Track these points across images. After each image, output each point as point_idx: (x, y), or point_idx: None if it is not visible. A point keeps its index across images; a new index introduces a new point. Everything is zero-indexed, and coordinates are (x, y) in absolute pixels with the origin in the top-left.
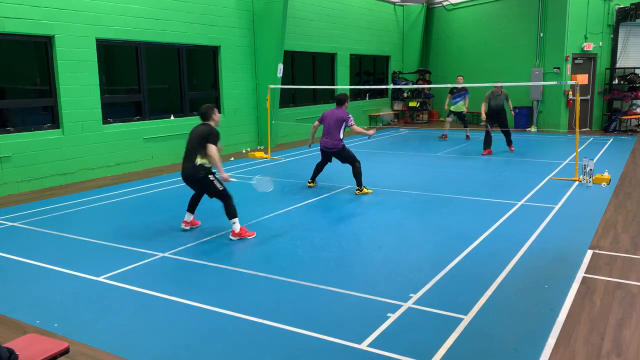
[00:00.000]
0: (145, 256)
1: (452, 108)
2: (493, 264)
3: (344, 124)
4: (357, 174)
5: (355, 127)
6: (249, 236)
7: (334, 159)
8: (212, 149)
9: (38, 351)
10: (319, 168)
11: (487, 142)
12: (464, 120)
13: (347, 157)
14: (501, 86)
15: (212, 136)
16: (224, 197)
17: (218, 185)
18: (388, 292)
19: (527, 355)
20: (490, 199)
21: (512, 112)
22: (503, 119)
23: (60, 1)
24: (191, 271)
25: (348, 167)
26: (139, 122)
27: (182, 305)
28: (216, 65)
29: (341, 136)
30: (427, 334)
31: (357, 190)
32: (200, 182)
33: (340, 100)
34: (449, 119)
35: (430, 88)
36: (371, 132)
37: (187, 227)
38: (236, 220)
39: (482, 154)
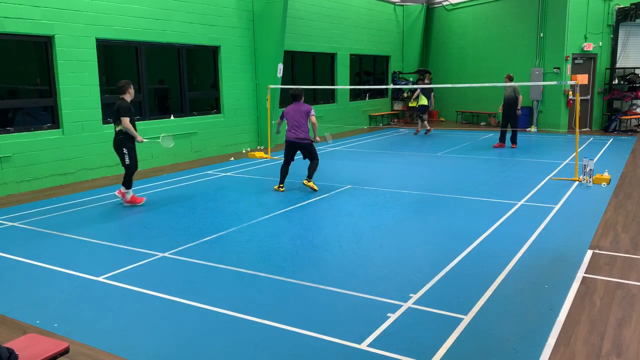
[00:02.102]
0: (145, 256)
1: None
2: (493, 264)
3: (308, 116)
4: (314, 169)
5: (314, 119)
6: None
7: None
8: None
9: (38, 351)
10: (285, 169)
11: (501, 136)
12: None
13: (312, 152)
14: (508, 77)
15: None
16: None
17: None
18: (388, 292)
19: (527, 355)
20: (490, 199)
21: (518, 111)
22: (506, 114)
23: (60, 1)
24: (191, 271)
25: (348, 167)
26: (139, 122)
27: (182, 305)
28: (216, 65)
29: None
30: (427, 334)
31: (306, 180)
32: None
33: (298, 96)
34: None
35: (430, 88)
36: (318, 139)
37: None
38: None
39: (494, 146)
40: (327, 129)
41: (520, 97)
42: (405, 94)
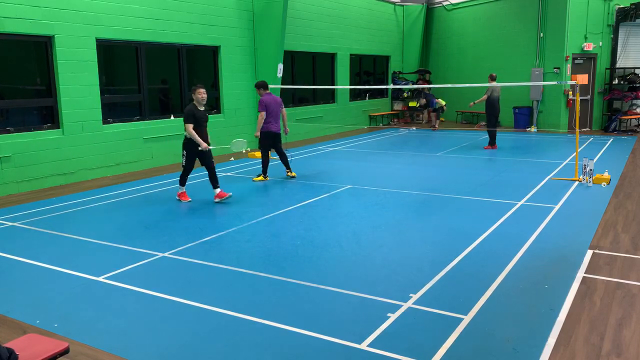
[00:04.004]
0: (145, 256)
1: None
2: (493, 264)
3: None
4: (286, 158)
5: (285, 110)
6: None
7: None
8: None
9: (38, 351)
10: (268, 159)
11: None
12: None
13: (280, 142)
14: (490, 77)
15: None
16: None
17: None
18: (388, 292)
19: (527, 355)
20: (490, 199)
21: (470, 104)
22: (493, 114)
23: (60, 1)
24: (191, 271)
25: (348, 167)
26: (139, 122)
27: (182, 305)
28: (216, 65)
29: None
30: (427, 334)
31: (289, 172)
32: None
33: (267, 85)
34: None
35: (430, 88)
36: (287, 129)
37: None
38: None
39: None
40: (328, 129)
41: (485, 97)
42: (405, 94)
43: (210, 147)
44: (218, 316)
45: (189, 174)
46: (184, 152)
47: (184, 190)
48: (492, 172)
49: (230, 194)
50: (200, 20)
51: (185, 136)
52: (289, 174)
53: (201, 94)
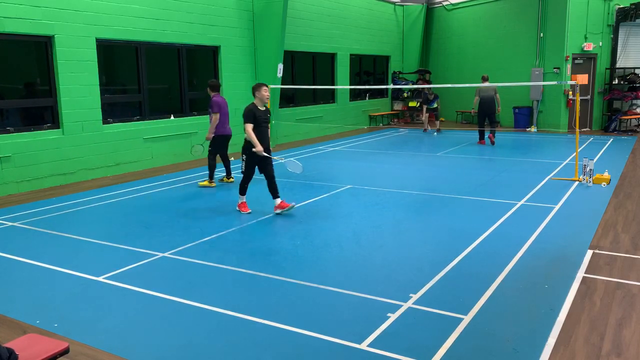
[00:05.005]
0: (145, 256)
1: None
2: (493, 264)
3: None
4: (229, 163)
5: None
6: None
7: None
8: None
9: (38, 351)
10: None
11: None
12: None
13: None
14: (483, 77)
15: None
16: None
17: None
18: (388, 292)
19: (527, 355)
20: (490, 199)
21: (473, 110)
22: (488, 113)
23: (60, 1)
24: (191, 271)
25: (348, 167)
26: (139, 122)
27: (182, 305)
28: (216, 65)
29: None
30: (427, 334)
31: (229, 178)
32: None
33: (219, 87)
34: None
35: (430, 88)
36: (210, 135)
37: None
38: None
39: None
40: (328, 129)
41: (476, 98)
42: (405, 94)
43: (269, 155)
44: (218, 316)
45: (249, 182)
46: (243, 157)
47: (244, 200)
48: (492, 172)
49: (294, 204)
50: (200, 20)
51: (245, 138)
52: (229, 180)
53: (266, 91)
